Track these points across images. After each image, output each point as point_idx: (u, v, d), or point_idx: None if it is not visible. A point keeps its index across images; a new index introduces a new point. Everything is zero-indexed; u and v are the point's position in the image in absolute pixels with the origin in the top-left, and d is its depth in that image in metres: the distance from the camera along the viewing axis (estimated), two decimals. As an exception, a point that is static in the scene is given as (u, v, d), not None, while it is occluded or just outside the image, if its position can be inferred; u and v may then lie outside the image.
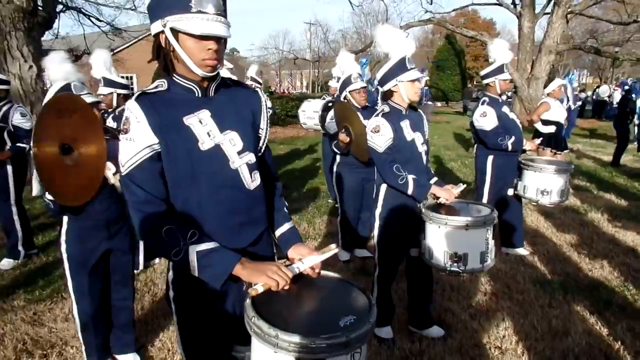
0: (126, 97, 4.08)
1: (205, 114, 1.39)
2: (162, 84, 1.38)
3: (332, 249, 1.46)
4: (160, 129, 1.32)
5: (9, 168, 4.10)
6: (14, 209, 4.17)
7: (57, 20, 11.07)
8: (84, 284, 2.38)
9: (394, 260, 2.79)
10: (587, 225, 5.07)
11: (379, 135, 2.59)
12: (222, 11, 1.28)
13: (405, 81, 2.53)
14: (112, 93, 3.99)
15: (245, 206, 1.45)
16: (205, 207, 1.38)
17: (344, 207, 4.21)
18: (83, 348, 2.46)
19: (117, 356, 2.61)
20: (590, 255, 4.16)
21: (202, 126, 1.37)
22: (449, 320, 3.07)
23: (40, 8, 9.31)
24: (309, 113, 5.93)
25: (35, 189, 5.55)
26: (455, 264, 2.39)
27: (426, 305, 2.90)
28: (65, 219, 2.35)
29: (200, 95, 1.40)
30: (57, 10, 11.09)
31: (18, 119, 4.12)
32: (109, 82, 3.97)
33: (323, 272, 1.51)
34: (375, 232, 2.77)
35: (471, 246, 2.39)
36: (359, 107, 4.02)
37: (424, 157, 2.72)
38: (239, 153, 1.42)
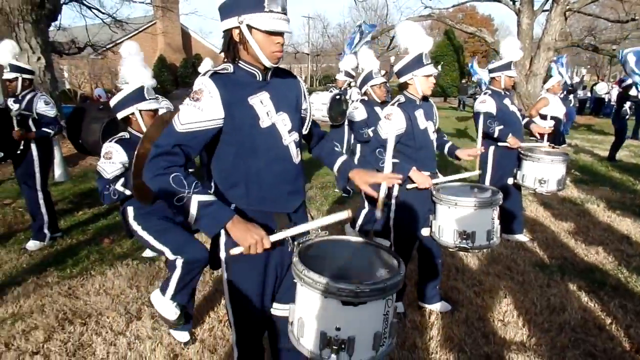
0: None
1: (265, 96, 1.62)
2: (229, 67, 1.60)
3: (345, 213, 1.60)
4: (229, 105, 1.55)
5: (35, 154, 4.28)
6: (40, 194, 4.35)
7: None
8: (179, 236, 2.53)
9: (409, 241, 3.00)
10: (583, 215, 5.32)
11: (388, 122, 2.77)
12: (286, 10, 1.51)
13: (420, 76, 2.74)
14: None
15: (293, 177, 1.69)
16: (263, 176, 1.62)
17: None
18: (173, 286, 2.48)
19: (172, 332, 2.73)
20: (587, 242, 4.40)
21: (263, 106, 1.61)
22: (455, 297, 3.31)
23: (46, 0, 9.43)
24: (317, 105, 6.10)
25: (58, 175, 5.74)
26: (464, 241, 2.62)
27: (435, 282, 3.12)
28: (129, 210, 2.58)
29: (260, 79, 1.63)
30: (61, 2, 11.19)
31: (42, 107, 4.31)
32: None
33: (353, 238, 1.73)
34: (392, 215, 2.97)
35: (479, 225, 2.62)
36: (379, 101, 4.24)
37: (435, 144, 2.94)
38: (289, 132, 1.67)
